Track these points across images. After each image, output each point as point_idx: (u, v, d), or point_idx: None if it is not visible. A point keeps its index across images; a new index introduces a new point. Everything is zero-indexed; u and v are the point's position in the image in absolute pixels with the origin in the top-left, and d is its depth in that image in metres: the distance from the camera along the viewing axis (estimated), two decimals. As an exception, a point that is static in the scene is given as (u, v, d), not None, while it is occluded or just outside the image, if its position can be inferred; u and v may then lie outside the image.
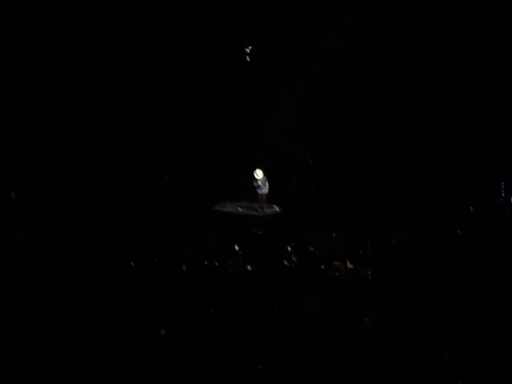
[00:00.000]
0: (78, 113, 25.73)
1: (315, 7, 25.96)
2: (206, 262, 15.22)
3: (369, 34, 25.50)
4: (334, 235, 18.43)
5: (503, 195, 23.20)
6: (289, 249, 16.81)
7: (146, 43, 26.40)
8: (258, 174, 23.43)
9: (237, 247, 16.78)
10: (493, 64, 24.09)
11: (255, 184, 23.46)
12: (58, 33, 25.37)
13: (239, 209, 24.27)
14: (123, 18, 26.18)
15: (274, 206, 24.55)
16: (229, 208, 24.34)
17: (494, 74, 24.06)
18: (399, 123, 25.54)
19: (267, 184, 23.55)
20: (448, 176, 24.03)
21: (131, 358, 9.98)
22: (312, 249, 16.98)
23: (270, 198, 23.94)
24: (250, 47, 27.59)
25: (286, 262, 15.60)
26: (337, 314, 11.83)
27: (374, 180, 25.22)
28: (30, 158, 24.33)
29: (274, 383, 9.31)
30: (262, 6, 26.21)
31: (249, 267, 15.05)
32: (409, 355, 10.16)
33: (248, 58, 27.71)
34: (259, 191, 23.56)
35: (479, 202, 22.62)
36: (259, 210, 23.65)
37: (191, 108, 27.13)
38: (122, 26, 26.13)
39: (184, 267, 14.81)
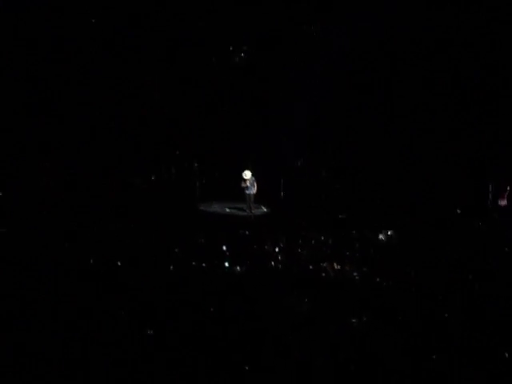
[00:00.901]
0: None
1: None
2: (193, 263, 15.21)
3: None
4: (321, 236, 18.44)
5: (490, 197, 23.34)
6: (276, 249, 16.82)
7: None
8: (247, 174, 23.42)
9: (224, 248, 16.78)
10: (483, 62, 24.29)
11: (243, 185, 23.45)
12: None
13: (226, 209, 24.27)
14: (116, 14, 26.09)
15: (262, 207, 24.57)
16: (216, 208, 24.35)
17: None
18: (386, 122, 25.66)
19: (255, 185, 23.57)
20: (437, 175, 24.20)
21: (119, 353, 9.97)
22: (299, 250, 17.00)
23: (258, 198, 23.96)
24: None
25: (273, 263, 15.61)
26: (323, 313, 11.86)
27: (361, 182, 25.30)
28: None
29: (261, 382, 9.32)
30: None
31: (236, 267, 15.06)
32: (396, 355, 10.20)
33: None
34: (247, 192, 23.55)
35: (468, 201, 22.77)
36: (247, 210, 23.65)
37: (184, 107, 27.13)
38: (116, 22, 26.07)
39: (171, 267, 14.79)
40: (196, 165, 27.15)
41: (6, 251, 14.77)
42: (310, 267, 15.27)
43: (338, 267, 15.26)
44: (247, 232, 19.14)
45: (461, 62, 24.61)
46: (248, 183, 23.43)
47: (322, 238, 18.26)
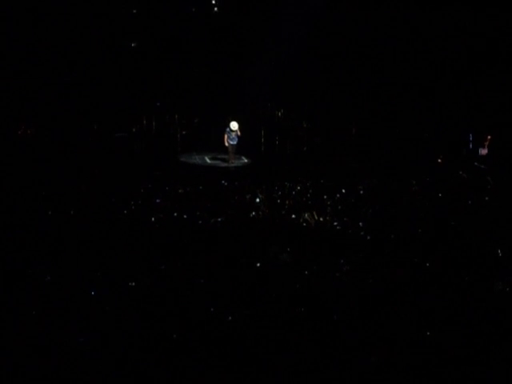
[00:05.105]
0: None
1: None
2: (174, 214, 15.18)
3: None
4: (301, 187, 18.46)
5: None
6: (257, 200, 16.82)
7: None
8: (234, 125, 23.32)
9: (205, 198, 16.75)
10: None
11: (229, 135, 23.39)
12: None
13: (207, 160, 24.22)
14: None
15: (243, 158, 24.54)
16: (196, 159, 24.29)
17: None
18: (366, 74, 25.68)
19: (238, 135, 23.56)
20: (418, 125, 24.34)
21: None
22: (279, 200, 17.00)
23: (238, 149, 23.92)
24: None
25: (254, 213, 15.62)
26: (305, 264, 11.91)
27: (342, 133, 25.37)
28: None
29: (240, 334, 9.38)
30: None
31: (217, 218, 15.05)
32: (378, 302, 10.29)
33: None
34: (231, 142, 23.48)
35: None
36: (229, 161, 23.61)
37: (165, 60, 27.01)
38: None
39: (152, 218, 14.76)
40: (177, 116, 27.04)
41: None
42: (291, 217, 15.30)
43: (319, 217, 15.28)
44: (228, 183, 19.11)
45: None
46: (234, 134, 23.38)
47: (303, 188, 18.30)
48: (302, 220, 15.09)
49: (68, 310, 9.72)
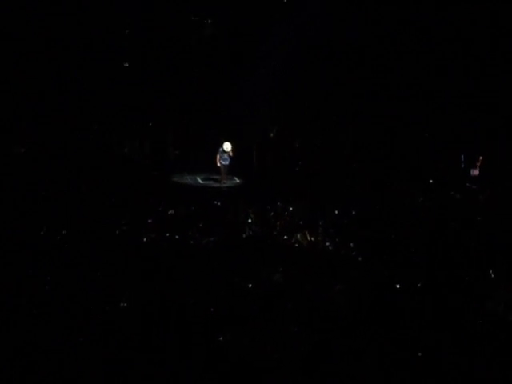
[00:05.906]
0: None
1: None
2: (166, 234, 15.15)
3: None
4: (293, 208, 18.45)
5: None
6: (249, 220, 16.80)
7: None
8: (228, 146, 23.41)
9: (197, 219, 16.72)
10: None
11: (221, 156, 23.46)
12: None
13: (199, 181, 24.22)
14: None
15: (235, 178, 24.55)
16: (188, 180, 24.27)
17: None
18: (360, 93, 25.68)
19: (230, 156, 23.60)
20: (409, 146, 24.35)
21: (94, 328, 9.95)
22: (272, 221, 16.99)
23: (230, 169, 23.94)
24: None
25: (246, 234, 15.61)
26: (297, 284, 11.90)
27: (334, 153, 25.38)
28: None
29: (234, 353, 9.34)
30: None
31: (210, 238, 15.02)
32: (369, 324, 10.27)
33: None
34: (223, 162, 23.56)
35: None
36: (222, 182, 23.63)
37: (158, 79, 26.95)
38: None
39: (144, 239, 14.73)
40: (169, 136, 27.02)
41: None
42: (284, 237, 15.29)
43: (311, 238, 15.27)
44: (220, 203, 19.09)
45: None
46: (226, 155, 23.46)
47: (294, 208, 18.27)
48: (294, 240, 15.09)
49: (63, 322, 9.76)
